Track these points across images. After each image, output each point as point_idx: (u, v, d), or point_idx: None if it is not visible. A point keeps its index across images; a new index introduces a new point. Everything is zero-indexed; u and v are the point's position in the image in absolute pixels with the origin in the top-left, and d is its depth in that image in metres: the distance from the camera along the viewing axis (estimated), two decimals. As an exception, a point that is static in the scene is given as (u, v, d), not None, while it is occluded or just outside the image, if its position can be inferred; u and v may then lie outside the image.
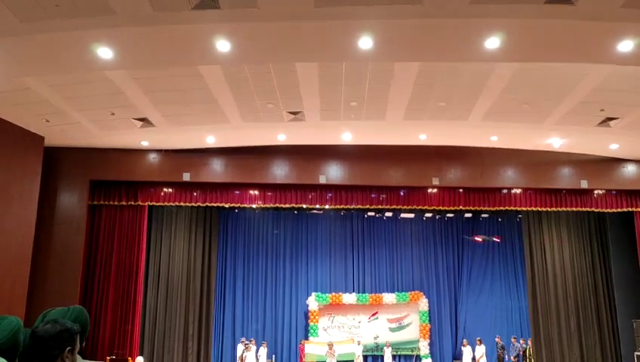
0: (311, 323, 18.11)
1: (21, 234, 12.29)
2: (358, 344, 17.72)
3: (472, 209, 16.19)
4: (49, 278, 13.45)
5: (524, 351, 16.64)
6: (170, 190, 15.00)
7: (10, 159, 12.00)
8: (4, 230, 11.78)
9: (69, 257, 13.83)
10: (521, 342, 16.99)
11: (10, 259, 11.88)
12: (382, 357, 18.08)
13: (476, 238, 18.79)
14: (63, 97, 10.71)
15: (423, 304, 18.70)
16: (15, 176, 12.17)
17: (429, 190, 15.42)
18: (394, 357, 18.02)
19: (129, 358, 13.95)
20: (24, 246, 12.38)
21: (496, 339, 17.17)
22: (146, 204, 15.06)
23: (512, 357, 16.68)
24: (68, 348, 2.14)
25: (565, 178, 15.13)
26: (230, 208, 16.61)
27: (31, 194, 12.65)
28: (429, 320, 18.67)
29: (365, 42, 8.14)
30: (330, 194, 15.35)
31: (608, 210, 15.85)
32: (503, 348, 16.88)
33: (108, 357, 13.61)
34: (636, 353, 15.70)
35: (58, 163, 13.96)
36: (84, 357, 2.43)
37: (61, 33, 7.80)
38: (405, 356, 18.42)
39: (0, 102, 10.73)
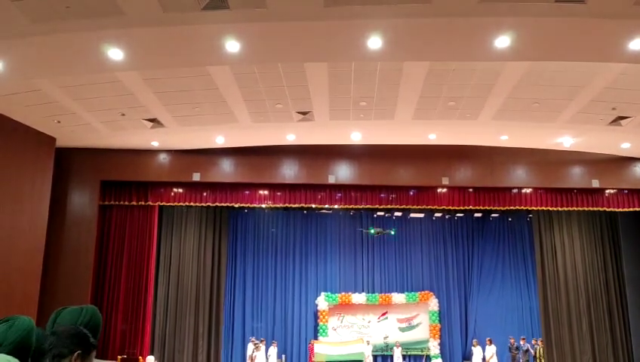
0: (320, 323, 18.11)
1: (33, 234, 12.39)
2: (368, 344, 17.69)
3: (482, 208, 16.14)
4: (60, 278, 13.55)
5: (535, 352, 16.50)
6: (180, 190, 15.06)
7: (22, 160, 12.10)
8: (16, 230, 11.88)
9: (80, 257, 13.92)
10: (532, 342, 16.85)
11: (22, 259, 11.98)
12: (391, 357, 18.04)
13: (371, 231, 18.59)
14: (74, 98, 10.79)
15: (433, 304, 18.64)
16: (27, 176, 12.27)
17: (439, 190, 15.37)
18: (404, 357, 17.97)
19: (140, 357, 14.03)
20: (36, 246, 12.48)
21: (510, 340, 17.02)
22: (157, 204, 15.14)
23: (521, 359, 16.56)
24: (78, 352, 2.14)
25: (576, 177, 15.03)
26: (240, 208, 16.65)
27: (42, 195, 12.75)
28: (439, 320, 18.61)
29: (374, 42, 8.12)
30: (339, 194, 15.35)
31: (620, 210, 15.72)
32: (517, 349, 16.75)
33: (119, 356, 13.69)
34: (648, 353, 15.59)
35: (69, 163, 14.07)
36: (95, 357, 2.44)
37: (72, 34, 7.85)
38: (415, 356, 18.37)
39: (12, 103, 10.83)
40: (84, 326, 2.35)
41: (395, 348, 17.88)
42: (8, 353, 2.10)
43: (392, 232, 18.58)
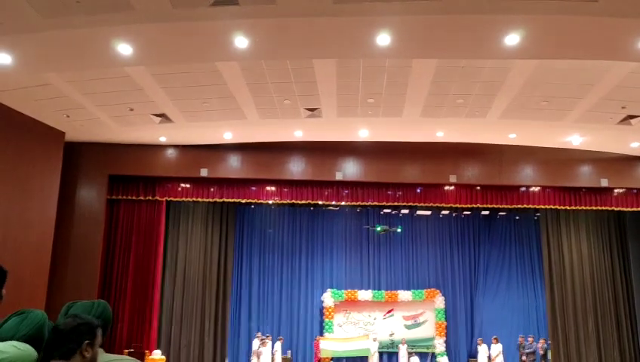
0: (326, 319, 18.13)
1: (41, 228, 12.46)
2: (374, 341, 17.71)
3: (490, 207, 16.09)
4: (68, 272, 13.63)
5: (545, 353, 16.39)
6: (187, 185, 15.11)
7: (31, 154, 12.16)
8: (24, 224, 11.95)
9: (88, 251, 13.99)
10: (541, 342, 16.74)
11: (31, 253, 12.04)
12: (397, 354, 18.06)
13: (377, 229, 18.53)
14: (83, 93, 10.84)
15: (439, 301, 18.62)
16: (36, 170, 12.33)
17: (446, 187, 15.34)
18: (409, 354, 17.97)
19: (146, 352, 14.10)
20: (44, 240, 12.55)
21: (520, 339, 16.94)
22: (164, 199, 15.19)
23: (528, 356, 16.49)
24: (86, 342, 2.16)
25: (585, 176, 14.96)
26: (246, 204, 16.65)
27: (51, 189, 12.81)
28: (445, 318, 18.59)
29: (383, 39, 8.11)
30: (346, 191, 15.34)
31: (628, 209, 15.63)
32: (524, 347, 16.67)
33: (125, 351, 13.76)
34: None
35: (78, 158, 14.12)
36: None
37: (82, 29, 7.88)
38: (421, 353, 18.36)
39: (22, 97, 10.89)
40: None
41: (400, 345, 17.89)
42: (19, 344, 2.12)
43: (399, 230, 18.55)
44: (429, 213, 18.65)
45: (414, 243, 19.24)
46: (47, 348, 2.13)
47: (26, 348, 2.05)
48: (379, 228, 18.39)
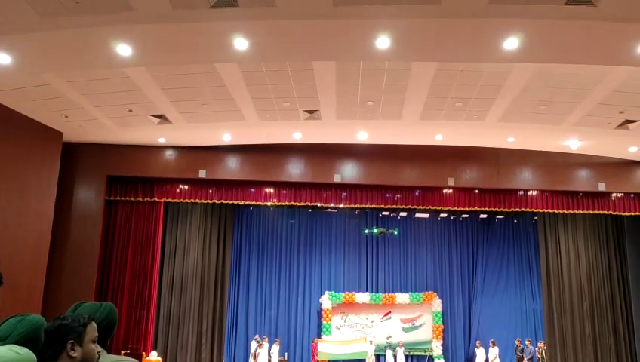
0: (324, 322, 18.12)
1: (39, 228, 12.43)
2: (370, 343, 17.69)
3: (488, 210, 16.10)
4: (65, 272, 13.59)
5: (541, 355, 16.40)
6: (185, 187, 15.08)
7: (29, 154, 12.14)
8: (22, 224, 11.92)
9: (85, 252, 13.96)
10: (538, 345, 16.76)
11: (28, 253, 12.02)
12: (395, 356, 18.03)
13: (374, 231, 18.54)
14: (82, 93, 10.82)
15: (437, 304, 18.62)
16: (34, 171, 12.31)
17: (445, 190, 15.35)
18: (407, 357, 17.96)
19: (143, 353, 14.07)
20: (41, 241, 12.52)
21: (516, 342, 16.99)
22: (162, 200, 15.16)
23: (526, 360, 16.50)
24: (70, 342, 2.17)
25: (582, 180, 14.98)
26: (245, 205, 16.66)
27: (49, 189, 12.78)
28: (443, 321, 18.59)
29: (383, 41, 8.12)
30: (344, 193, 15.33)
31: (626, 214, 15.64)
32: (522, 351, 16.69)
33: (122, 352, 13.72)
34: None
35: (76, 158, 14.09)
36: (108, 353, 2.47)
37: (81, 29, 7.88)
38: (418, 356, 18.36)
39: (20, 97, 10.87)
40: (99, 323, 2.38)
41: (397, 348, 17.87)
42: (15, 344, 2.11)
43: (395, 232, 18.56)
44: (427, 215, 18.67)
45: (412, 246, 19.26)
46: (40, 351, 2.14)
47: (25, 353, 2.04)
48: (375, 231, 18.42)
